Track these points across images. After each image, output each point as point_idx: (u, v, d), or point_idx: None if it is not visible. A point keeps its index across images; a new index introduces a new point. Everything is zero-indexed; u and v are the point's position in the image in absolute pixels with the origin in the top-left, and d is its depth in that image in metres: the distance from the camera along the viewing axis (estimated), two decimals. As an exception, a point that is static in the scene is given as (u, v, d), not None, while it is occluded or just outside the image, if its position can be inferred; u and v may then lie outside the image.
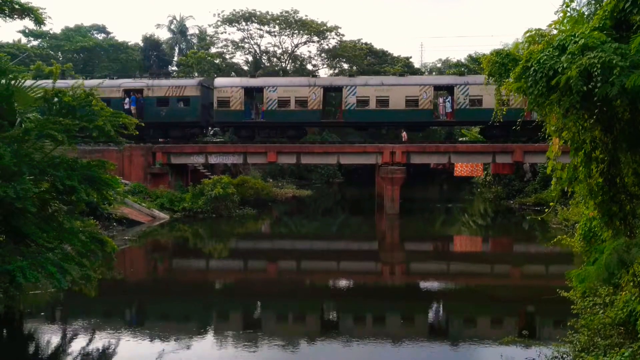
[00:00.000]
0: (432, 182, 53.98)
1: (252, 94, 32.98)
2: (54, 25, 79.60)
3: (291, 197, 39.93)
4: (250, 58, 57.84)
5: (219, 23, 55.61)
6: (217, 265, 20.29)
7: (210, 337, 11.90)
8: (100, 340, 11.14)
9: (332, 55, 56.79)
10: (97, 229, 16.61)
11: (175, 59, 63.10)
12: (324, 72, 57.32)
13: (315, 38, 55.73)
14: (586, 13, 8.46)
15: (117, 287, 16.00)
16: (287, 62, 56.77)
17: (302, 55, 57.91)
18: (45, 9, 12.44)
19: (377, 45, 66.70)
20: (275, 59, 57.46)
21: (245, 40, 56.71)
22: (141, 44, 63.07)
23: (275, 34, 55.70)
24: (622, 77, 6.82)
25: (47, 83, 12.30)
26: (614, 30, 7.60)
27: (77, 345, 10.94)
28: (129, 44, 63.12)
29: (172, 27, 64.42)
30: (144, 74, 41.24)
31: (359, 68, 55.08)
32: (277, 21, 54.21)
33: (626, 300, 9.11)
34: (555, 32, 8.45)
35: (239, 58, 59.80)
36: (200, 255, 21.73)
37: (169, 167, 31.61)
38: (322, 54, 57.45)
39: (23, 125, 11.05)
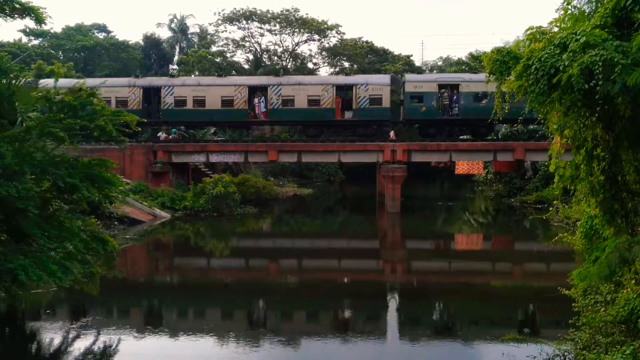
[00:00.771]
0: (433, 181, 53.89)
1: None
2: (55, 24, 79.35)
3: (292, 196, 39.93)
4: (250, 57, 57.82)
5: (220, 22, 55.52)
6: (219, 264, 20.29)
7: (212, 335, 11.88)
8: (102, 339, 11.14)
9: (333, 54, 56.70)
10: (98, 228, 16.60)
11: (176, 57, 63.09)
12: (324, 71, 57.31)
13: (316, 36, 55.60)
14: (587, 11, 8.44)
15: (119, 286, 16.02)
16: (287, 60, 56.70)
17: (303, 54, 57.90)
18: (45, 8, 12.40)
19: (378, 43, 66.68)
20: (275, 58, 57.40)
21: (246, 38, 56.62)
22: (142, 42, 63.08)
23: (276, 32, 55.60)
24: (624, 75, 6.81)
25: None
26: (616, 27, 7.59)
27: (79, 344, 10.95)
28: (130, 43, 63.08)
29: (173, 25, 64.42)
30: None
31: (360, 66, 54.97)
32: (278, 20, 54.10)
33: (628, 298, 9.11)
34: (556, 29, 8.43)
35: (240, 57, 59.81)
36: (202, 254, 21.72)
37: (170, 165, 31.60)
38: (323, 53, 57.35)
39: (24, 125, 11.05)
